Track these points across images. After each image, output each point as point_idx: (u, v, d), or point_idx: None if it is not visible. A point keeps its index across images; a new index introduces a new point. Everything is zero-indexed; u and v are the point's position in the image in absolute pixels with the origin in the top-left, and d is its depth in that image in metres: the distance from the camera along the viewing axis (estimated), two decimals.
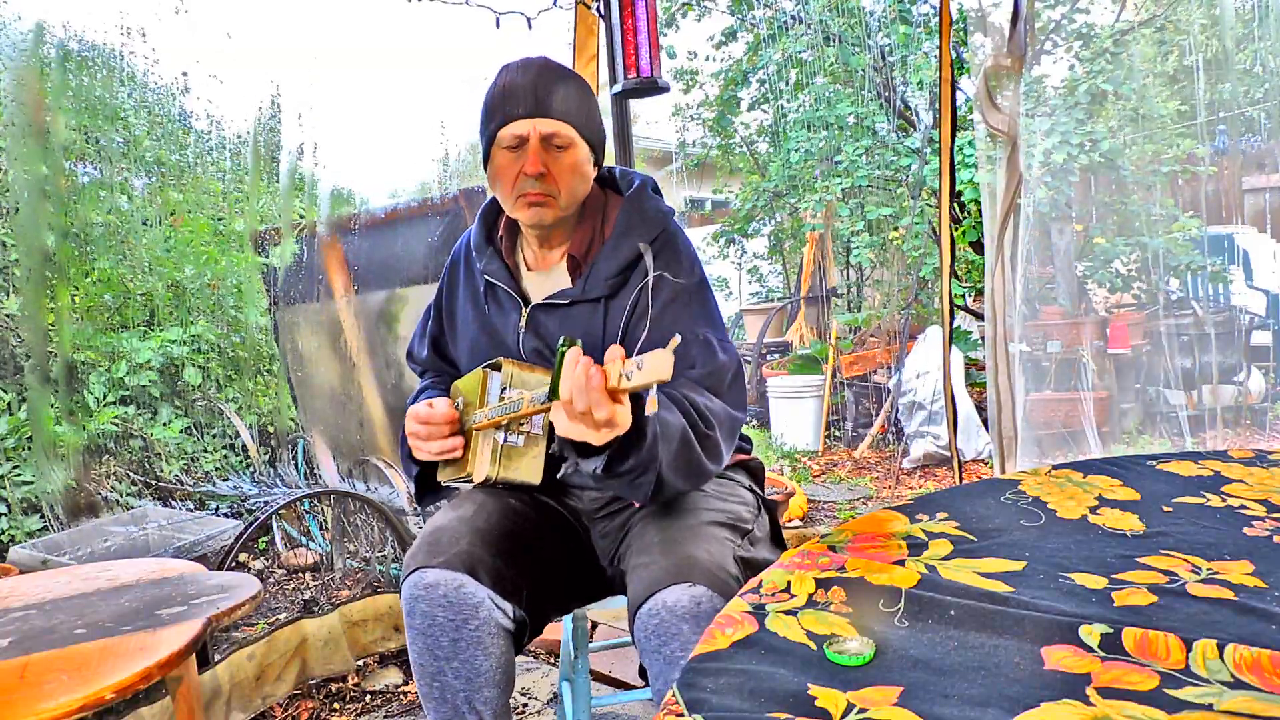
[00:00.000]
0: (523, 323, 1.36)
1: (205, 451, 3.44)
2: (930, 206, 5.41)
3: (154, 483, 3.15)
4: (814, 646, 0.82)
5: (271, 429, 3.56)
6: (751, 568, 1.20)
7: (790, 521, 3.63)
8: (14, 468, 2.91)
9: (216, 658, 2.02)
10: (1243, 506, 1.17)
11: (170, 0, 3.15)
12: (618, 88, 2.45)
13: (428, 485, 1.41)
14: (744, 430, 1.44)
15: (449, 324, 1.51)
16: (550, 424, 1.09)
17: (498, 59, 1.34)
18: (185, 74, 3.50)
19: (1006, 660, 0.78)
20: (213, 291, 3.60)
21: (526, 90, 1.26)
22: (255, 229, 3.47)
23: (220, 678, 2.00)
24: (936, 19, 4.40)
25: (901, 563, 1.00)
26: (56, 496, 2.88)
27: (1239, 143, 4.68)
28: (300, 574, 3.08)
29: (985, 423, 4.43)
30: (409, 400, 1.49)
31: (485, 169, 1.34)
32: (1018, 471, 1.39)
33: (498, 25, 2.44)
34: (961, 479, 2.87)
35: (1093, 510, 1.18)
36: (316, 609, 2.38)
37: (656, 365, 0.91)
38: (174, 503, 3.13)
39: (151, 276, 3.41)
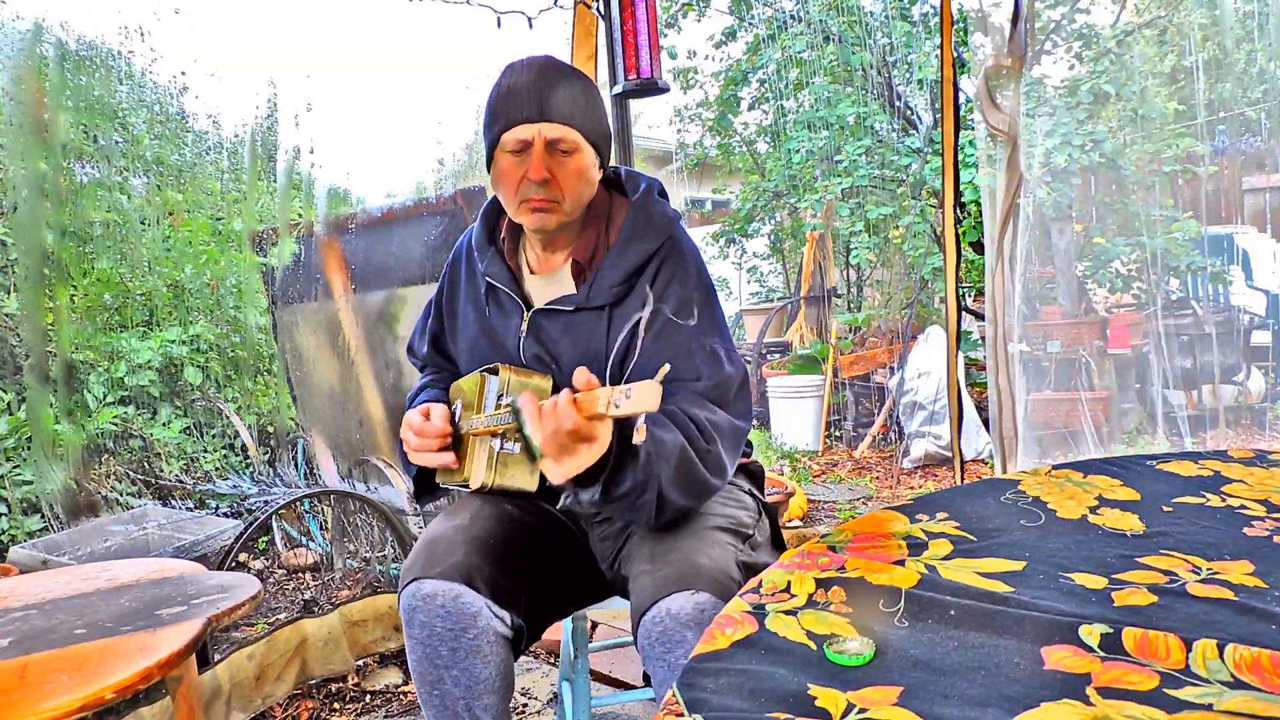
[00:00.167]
0: (524, 327, 1.35)
1: (205, 451, 3.44)
2: (931, 206, 5.41)
3: (154, 481, 3.15)
4: (814, 646, 0.82)
5: (271, 429, 3.56)
6: (753, 572, 1.20)
7: (790, 521, 3.63)
8: (14, 468, 2.91)
9: (216, 658, 2.02)
10: (1243, 506, 1.17)
11: (170, 0, 3.15)
12: (618, 88, 2.45)
13: (426, 484, 1.41)
14: None
15: (449, 322, 1.50)
16: None
17: (498, 59, 1.33)
18: (184, 73, 3.50)
19: (1006, 660, 0.78)
20: (212, 291, 3.60)
21: (531, 93, 1.24)
22: (254, 229, 3.47)
23: (220, 678, 2.00)
24: (936, 18, 4.40)
25: (901, 563, 1.00)
26: (56, 496, 2.88)
27: (1238, 143, 4.68)
28: (300, 574, 3.08)
29: (985, 423, 4.43)
30: (409, 396, 1.49)
31: (488, 170, 1.33)
32: (1018, 471, 1.39)
33: (499, 25, 2.44)
34: (963, 479, 2.87)
35: (1093, 510, 1.18)
36: (316, 609, 2.38)
37: (644, 396, 0.93)
38: (174, 502, 3.13)
39: (151, 276, 3.41)
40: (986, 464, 4.47)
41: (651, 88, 2.42)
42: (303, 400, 3.35)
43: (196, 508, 3.14)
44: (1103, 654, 0.78)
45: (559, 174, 1.26)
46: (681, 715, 0.71)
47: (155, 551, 2.70)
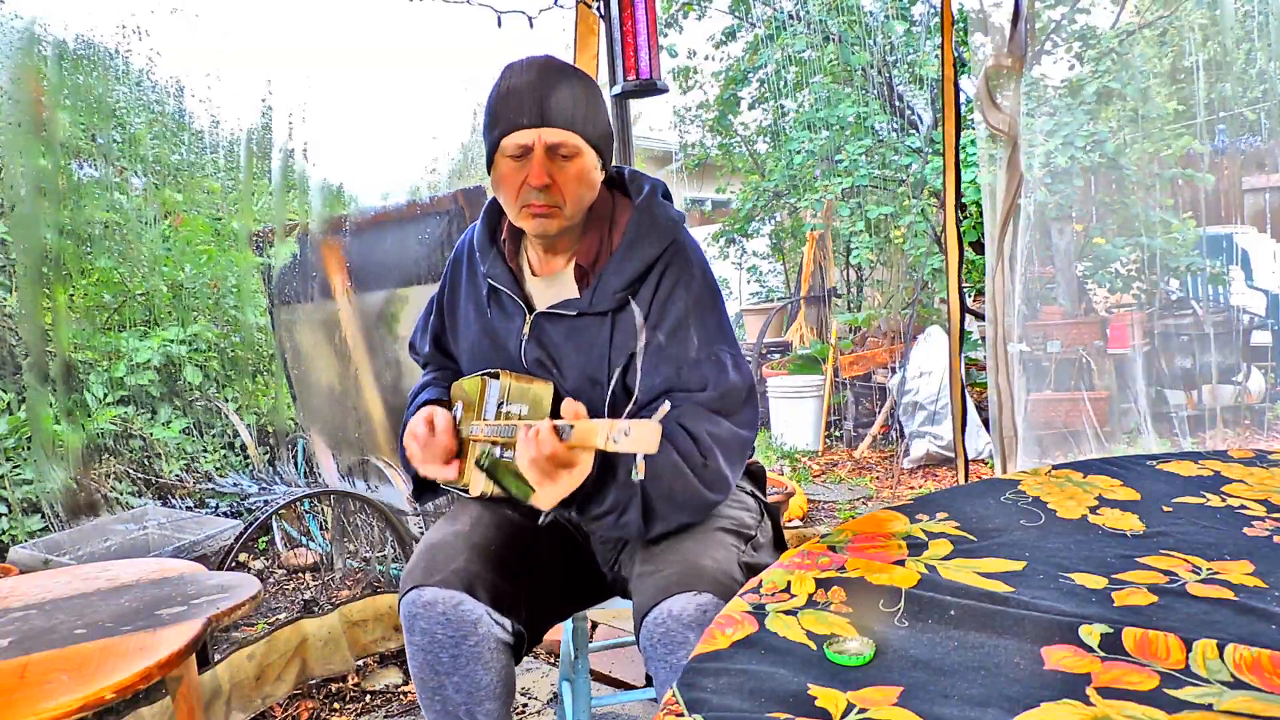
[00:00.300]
0: (526, 330, 1.34)
1: (205, 451, 3.44)
2: (932, 206, 5.41)
3: (155, 480, 3.16)
4: (814, 646, 0.82)
5: (271, 429, 3.56)
6: (756, 574, 1.20)
7: (790, 521, 3.63)
8: (14, 468, 2.91)
9: (216, 658, 2.02)
10: (1243, 506, 1.17)
11: (169, 0, 3.15)
12: (617, 89, 2.45)
13: (426, 484, 1.41)
14: None
15: (450, 321, 1.50)
16: None
17: (498, 59, 1.32)
18: (184, 73, 3.50)
19: (1006, 660, 0.78)
20: (212, 291, 3.60)
21: (531, 96, 1.22)
22: (253, 228, 3.47)
23: (220, 678, 2.00)
24: (937, 18, 4.40)
25: (901, 563, 1.00)
26: (56, 496, 2.87)
27: (1238, 143, 4.68)
28: (300, 574, 3.08)
29: (985, 423, 4.43)
30: (411, 393, 1.49)
31: (488, 172, 1.32)
32: (1018, 471, 1.39)
33: (499, 24, 2.44)
34: (967, 478, 2.87)
35: (1093, 510, 1.18)
36: (316, 609, 2.38)
37: (644, 436, 0.94)
38: (174, 500, 3.13)
39: (152, 276, 3.41)
40: (986, 464, 4.47)
41: (650, 88, 2.42)
42: (302, 400, 3.34)
43: (197, 506, 3.14)
44: (1103, 654, 0.78)
45: (560, 179, 1.24)
46: (681, 715, 0.70)
47: (155, 551, 2.70)
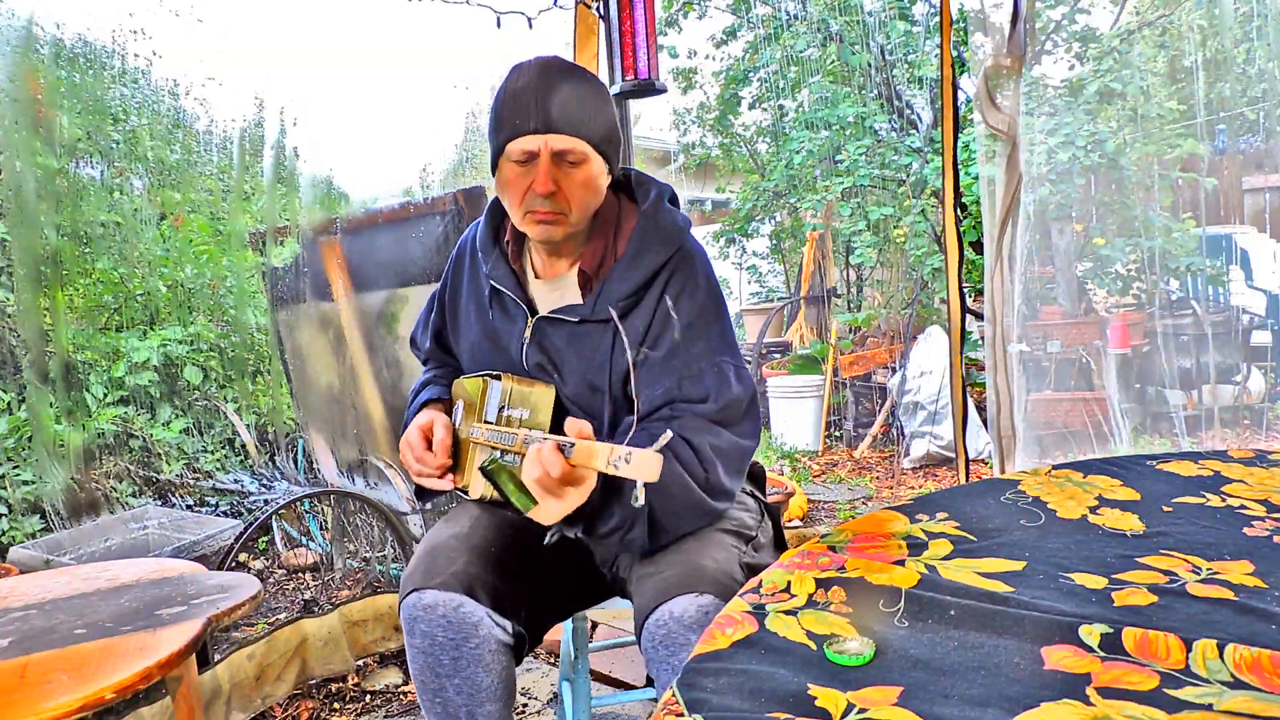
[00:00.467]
0: (527, 333, 1.33)
1: (205, 451, 3.44)
2: (932, 206, 5.41)
3: (155, 478, 3.16)
4: (814, 646, 0.82)
5: (270, 428, 3.56)
6: (756, 574, 1.20)
7: (790, 521, 3.63)
8: (14, 468, 2.91)
9: (216, 658, 2.02)
10: (1243, 506, 1.17)
11: (169, 0, 3.15)
12: (615, 89, 2.45)
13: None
14: None
15: (451, 319, 1.49)
16: None
17: (498, 59, 1.32)
18: (184, 73, 3.50)
19: (1006, 660, 0.78)
20: (212, 291, 3.60)
21: (538, 100, 1.19)
22: (253, 228, 3.47)
23: (220, 678, 2.00)
24: (936, 18, 4.40)
25: (901, 563, 1.00)
26: (57, 496, 2.88)
27: (1238, 143, 4.68)
28: (300, 574, 3.08)
29: (985, 423, 4.43)
30: (412, 390, 1.48)
31: (493, 174, 1.30)
32: (1018, 471, 1.39)
33: (499, 25, 2.44)
34: (968, 478, 2.87)
35: (1093, 510, 1.18)
36: (316, 609, 2.38)
37: (645, 464, 0.94)
38: (174, 499, 3.14)
39: (152, 276, 3.41)
40: (986, 464, 4.47)
41: (649, 89, 2.42)
42: (302, 400, 3.34)
43: (197, 506, 3.15)
44: (1103, 654, 0.78)
45: (565, 185, 1.22)
46: (681, 715, 0.70)
47: (155, 551, 2.70)
